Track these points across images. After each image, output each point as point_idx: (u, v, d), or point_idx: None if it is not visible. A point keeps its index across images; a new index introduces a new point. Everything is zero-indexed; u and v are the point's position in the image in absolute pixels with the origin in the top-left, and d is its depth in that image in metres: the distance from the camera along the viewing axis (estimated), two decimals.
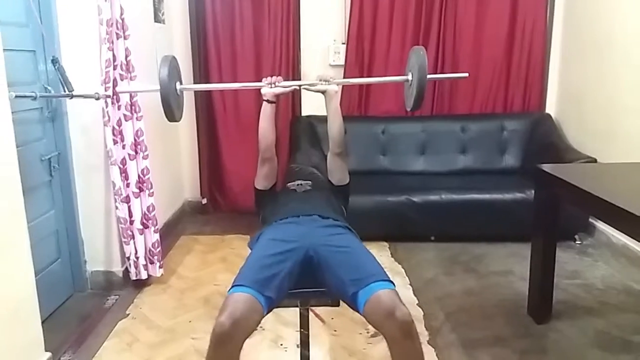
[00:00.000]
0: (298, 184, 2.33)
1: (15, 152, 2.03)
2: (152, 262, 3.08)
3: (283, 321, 2.68)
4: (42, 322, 2.24)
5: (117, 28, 2.79)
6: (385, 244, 3.74)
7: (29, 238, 2.13)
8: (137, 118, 2.93)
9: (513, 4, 4.16)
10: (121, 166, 2.89)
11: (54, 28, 2.72)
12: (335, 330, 2.62)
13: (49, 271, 2.75)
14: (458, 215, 3.67)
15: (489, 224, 3.66)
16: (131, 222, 2.97)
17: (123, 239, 2.96)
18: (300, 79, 4.18)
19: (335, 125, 2.25)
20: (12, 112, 2.03)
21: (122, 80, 2.84)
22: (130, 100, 2.88)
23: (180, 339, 2.57)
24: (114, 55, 2.79)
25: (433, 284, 3.16)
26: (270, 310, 1.74)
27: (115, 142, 2.85)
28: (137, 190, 2.96)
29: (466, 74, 2.49)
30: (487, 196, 3.66)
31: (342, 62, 4.25)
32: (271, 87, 2.19)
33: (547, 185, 2.60)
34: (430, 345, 2.48)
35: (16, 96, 2.10)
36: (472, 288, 3.10)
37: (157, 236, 3.09)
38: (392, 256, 3.56)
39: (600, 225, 3.68)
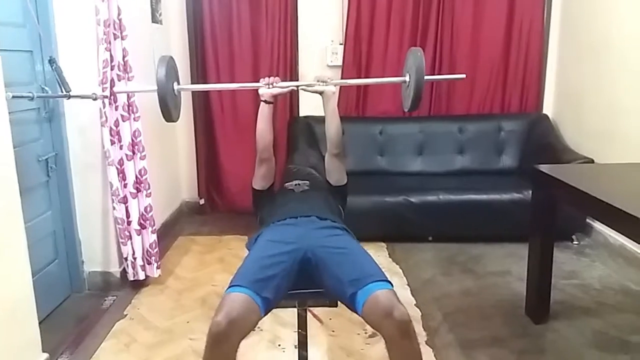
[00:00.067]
0: (296, 184, 2.33)
1: (12, 152, 2.03)
2: (149, 263, 3.08)
3: (281, 322, 2.68)
4: (40, 323, 2.23)
5: (115, 28, 2.79)
6: (383, 244, 3.74)
7: (26, 239, 2.13)
8: (134, 118, 2.92)
9: (510, 4, 4.17)
10: (118, 167, 2.89)
11: (51, 28, 2.71)
12: (333, 331, 2.62)
13: (46, 272, 2.75)
14: (456, 216, 3.67)
15: (486, 224, 3.67)
16: (129, 223, 2.96)
17: (120, 240, 2.96)
18: (297, 80, 4.18)
19: (332, 126, 2.25)
20: (9, 113, 2.02)
21: (119, 80, 2.84)
22: (128, 101, 2.88)
23: (177, 340, 2.57)
24: (111, 56, 2.78)
25: (431, 285, 3.16)
26: (268, 312, 1.74)
27: (112, 143, 2.84)
28: (135, 191, 2.96)
29: (463, 75, 2.49)
30: (484, 197, 3.67)
31: (340, 62, 4.25)
32: (269, 88, 2.19)
33: (545, 186, 2.60)
34: (428, 345, 2.48)
35: (13, 96, 2.10)
36: (470, 288, 3.10)
37: (154, 237, 3.09)
38: (389, 256, 3.56)
39: (598, 225, 3.68)
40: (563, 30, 4.19)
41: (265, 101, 2.21)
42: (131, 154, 2.93)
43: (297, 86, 2.36)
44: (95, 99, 2.58)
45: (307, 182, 2.35)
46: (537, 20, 4.20)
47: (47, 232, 2.81)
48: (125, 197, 2.94)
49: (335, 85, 2.26)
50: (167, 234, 3.93)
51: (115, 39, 2.80)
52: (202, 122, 4.36)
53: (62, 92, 2.43)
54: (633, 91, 3.33)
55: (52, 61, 2.45)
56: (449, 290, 3.08)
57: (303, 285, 1.87)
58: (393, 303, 1.60)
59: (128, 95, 2.87)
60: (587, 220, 3.77)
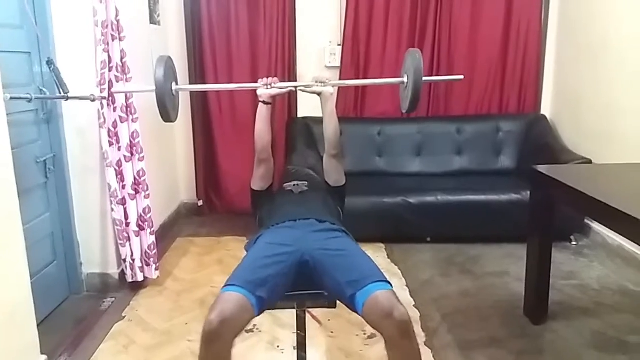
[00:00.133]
0: (295, 185, 2.33)
1: (10, 154, 2.03)
2: (148, 265, 3.07)
3: (280, 323, 2.68)
4: (38, 325, 2.23)
5: (113, 30, 2.79)
6: (382, 245, 3.74)
7: (25, 240, 2.12)
8: (132, 120, 2.92)
9: (508, 5, 4.18)
10: (117, 168, 2.89)
11: (49, 29, 2.71)
12: (332, 332, 2.62)
13: (45, 274, 2.74)
14: (454, 217, 3.67)
15: (484, 225, 3.67)
16: (127, 224, 2.96)
17: (119, 241, 2.96)
18: (296, 81, 4.18)
19: (330, 127, 2.25)
20: (7, 114, 2.02)
21: (117, 82, 2.84)
22: (126, 102, 2.87)
23: (176, 342, 2.57)
24: (109, 57, 2.78)
25: (429, 285, 3.16)
26: (262, 311, 1.74)
27: (110, 144, 2.84)
28: (133, 192, 2.96)
29: (461, 77, 2.49)
30: (482, 197, 3.67)
31: (338, 63, 4.25)
32: (267, 89, 2.19)
33: (543, 187, 2.60)
34: (427, 346, 2.48)
35: (11, 98, 2.10)
36: (468, 289, 3.10)
37: (153, 238, 3.09)
38: (388, 257, 3.57)
39: (596, 226, 3.69)
40: (561, 30, 4.20)
41: (263, 102, 2.21)
42: (129, 155, 2.93)
43: (296, 87, 2.36)
44: (93, 100, 2.58)
45: (306, 182, 2.35)
46: (535, 21, 4.21)
47: (46, 234, 2.80)
48: (123, 198, 2.93)
49: (333, 86, 2.27)
50: (166, 235, 3.92)
51: (113, 40, 2.80)
52: (201, 124, 4.35)
53: (60, 93, 2.43)
54: (631, 92, 3.33)
55: (50, 62, 2.45)
56: (448, 291, 3.08)
57: (302, 287, 1.87)
58: (393, 303, 1.61)
59: (126, 97, 2.87)
60: (586, 220, 3.78)
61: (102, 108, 2.78)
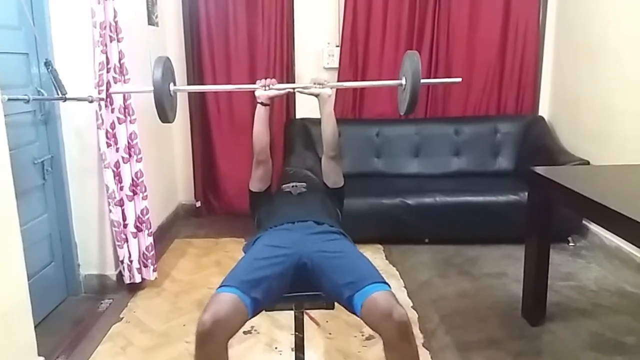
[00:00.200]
0: (293, 186, 2.32)
1: (7, 155, 2.02)
2: (145, 266, 3.07)
3: (278, 324, 2.68)
4: (35, 327, 2.22)
5: (111, 31, 2.79)
6: (380, 246, 3.74)
7: (22, 242, 2.12)
8: (130, 121, 2.92)
9: (506, 6, 4.18)
10: (115, 169, 2.88)
11: (47, 31, 2.71)
12: (330, 333, 2.62)
13: (42, 275, 2.74)
14: (452, 218, 3.68)
15: (482, 226, 3.68)
16: (125, 226, 2.96)
17: (117, 243, 2.95)
18: (294, 82, 4.18)
19: (329, 129, 2.25)
20: (5, 115, 2.01)
21: (115, 83, 2.83)
22: (124, 103, 2.87)
23: (174, 343, 2.56)
24: (107, 58, 2.78)
25: (427, 287, 3.16)
26: (257, 313, 1.74)
27: (108, 145, 2.84)
28: (131, 194, 2.96)
29: (459, 79, 2.49)
30: (480, 198, 3.68)
31: (336, 64, 4.25)
32: (265, 90, 2.19)
33: (541, 188, 2.61)
34: (425, 347, 2.48)
35: (9, 99, 2.10)
36: (467, 290, 3.10)
37: (150, 239, 3.08)
38: (386, 259, 3.56)
39: (594, 227, 3.69)
40: (559, 32, 4.21)
41: (261, 103, 2.21)
42: (127, 156, 2.92)
43: (294, 88, 2.37)
44: (91, 102, 2.58)
45: (305, 184, 2.35)
46: (533, 22, 4.22)
47: (43, 235, 2.80)
48: (121, 199, 2.93)
49: (331, 88, 2.27)
50: (164, 236, 3.92)
51: (111, 41, 2.80)
52: (199, 125, 4.35)
53: (58, 94, 2.43)
54: (628, 93, 3.34)
55: (48, 64, 2.44)
56: (446, 293, 3.08)
57: (300, 289, 1.87)
58: (392, 304, 1.61)
59: (124, 98, 2.86)
60: (583, 222, 3.79)
61: (100, 109, 2.78)
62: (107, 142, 2.83)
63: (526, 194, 2.82)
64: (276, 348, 2.52)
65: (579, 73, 3.89)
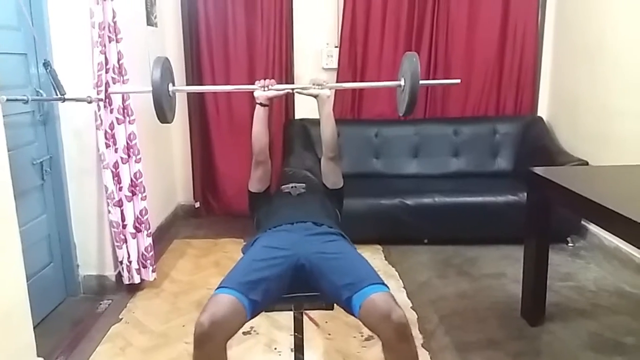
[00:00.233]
0: (292, 187, 2.33)
1: (6, 156, 2.02)
2: (145, 266, 3.07)
3: (277, 325, 2.67)
4: (34, 327, 2.22)
5: (110, 31, 2.78)
6: (379, 247, 3.74)
7: (21, 242, 2.12)
8: (129, 121, 2.92)
9: (505, 7, 4.19)
10: (113, 170, 2.88)
11: (46, 31, 2.71)
12: (329, 334, 2.62)
13: (41, 276, 2.73)
14: (451, 218, 3.68)
15: (481, 226, 3.68)
16: (124, 226, 2.95)
17: (116, 243, 2.95)
18: (293, 82, 4.18)
19: (327, 130, 2.25)
20: (4, 116, 2.01)
21: (114, 83, 2.83)
22: (123, 104, 2.87)
23: (173, 344, 2.56)
24: (106, 59, 2.78)
25: (427, 287, 3.16)
26: (255, 314, 1.74)
27: (107, 146, 2.83)
28: (130, 194, 2.95)
29: (458, 81, 2.49)
30: (479, 199, 3.68)
31: (335, 65, 4.26)
32: (264, 90, 2.19)
33: (540, 188, 2.61)
34: (425, 348, 2.48)
35: (7, 99, 2.09)
36: (466, 291, 3.10)
37: (149, 240, 3.08)
38: (385, 259, 3.56)
39: (593, 227, 3.70)
40: (557, 32, 4.21)
41: (260, 104, 2.21)
42: (126, 157, 2.92)
43: (292, 89, 2.37)
44: (90, 102, 2.57)
45: (304, 184, 2.35)
46: (532, 23, 4.22)
47: (42, 236, 2.79)
48: (120, 200, 2.93)
49: (330, 89, 2.27)
50: (163, 237, 3.91)
51: (110, 41, 2.80)
52: (198, 125, 4.35)
53: (56, 95, 2.42)
54: (627, 93, 3.34)
55: (46, 64, 2.44)
56: (445, 293, 3.08)
57: (298, 291, 1.87)
58: (390, 305, 1.60)
59: (123, 98, 2.86)
60: (582, 222, 3.79)
61: (99, 110, 2.78)
62: (106, 143, 2.82)
63: (525, 194, 2.82)
64: (275, 349, 2.52)
65: (578, 74, 3.89)
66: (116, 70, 2.84)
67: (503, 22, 4.21)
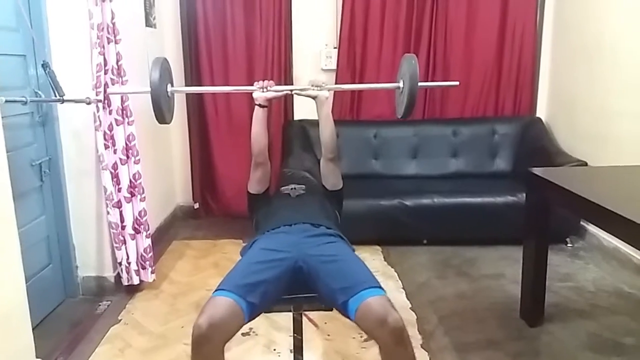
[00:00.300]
0: (292, 188, 2.32)
1: (5, 157, 2.02)
2: (144, 268, 3.06)
3: (276, 326, 2.67)
4: (33, 329, 2.21)
5: (108, 32, 2.78)
6: (378, 247, 3.74)
7: (20, 244, 2.11)
8: (128, 122, 2.91)
9: (503, 8, 4.19)
10: (112, 171, 2.88)
11: (45, 32, 2.71)
12: (328, 335, 2.62)
13: (40, 277, 2.73)
14: (450, 219, 3.68)
15: (480, 227, 3.68)
16: (123, 227, 2.95)
17: (115, 244, 2.95)
18: (292, 83, 4.18)
19: (326, 131, 2.25)
20: (2, 117, 2.01)
21: (113, 84, 2.83)
22: (122, 105, 2.87)
23: (172, 345, 2.56)
24: (105, 60, 2.78)
25: (426, 288, 3.16)
26: (253, 317, 1.74)
27: (106, 147, 2.83)
28: (129, 195, 2.95)
29: (456, 83, 2.49)
30: (478, 200, 3.68)
31: (334, 66, 4.26)
32: (263, 92, 2.19)
33: (538, 189, 2.61)
34: (424, 349, 2.48)
35: (6, 101, 2.09)
36: (465, 291, 3.11)
37: (149, 241, 3.08)
38: (384, 260, 3.57)
39: (591, 228, 3.70)
40: (556, 33, 4.22)
41: (259, 105, 2.21)
42: (125, 158, 2.92)
43: (291, 90, 2.37)
44: (89, 103, 2.57)
45: (304, 186, 2.35)
46: (530, 24, 4.22)
47: (41, 237, 2.79)
48: (119, 201, 2.93)
49: (329, 90, 2.27)
50: (162, 238, 3.91)
51: (109, 43, 2.80)
52: (197, 126, 4.35)
53: (55, 96, 2.42)
54: (625, 94, 3.35)
55: (45, 65, 2.44)
56: (444, 294, 3.08)
57: (296, 293, 1.87)
58: (386, 309, 1.60)
59: (122, 99, 2.86)
60: (581, 222, 3.79)
61: (98, 111, 2.78)
62: (105, 144, 2.82)
63: (524, 195, 2.81)
64: (274, 350, 2.51)
65: (576, 74, 3.90)
66: (115, 72, 2.84)
67: (502, 23, 4.22)
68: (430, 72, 4.22)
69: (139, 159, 2.97)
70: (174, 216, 4.41)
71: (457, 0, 4.16)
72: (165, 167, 4.29)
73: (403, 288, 3.15)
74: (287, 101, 4.28)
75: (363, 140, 4.22)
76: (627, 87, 3.33)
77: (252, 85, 2.23)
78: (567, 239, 3.75)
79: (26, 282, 2.17)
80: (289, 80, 4.23)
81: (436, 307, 2.90)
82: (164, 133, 4.10)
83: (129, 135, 2.92)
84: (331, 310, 1.98)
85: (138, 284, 3.06)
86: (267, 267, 1.79)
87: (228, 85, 4.18)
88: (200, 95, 4.32)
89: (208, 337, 1.57)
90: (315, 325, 2.69)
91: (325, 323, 2.69)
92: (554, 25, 4.23)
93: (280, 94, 2.26)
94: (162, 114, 2.05)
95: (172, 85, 2.16)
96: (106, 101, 2.79)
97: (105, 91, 2.75)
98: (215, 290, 1.71)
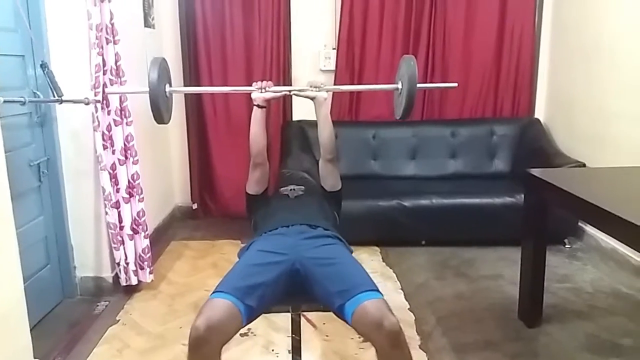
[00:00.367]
0: (291, 189, 2.32)
1: (3, 157, 2.01)
2: (142, 268, 3.06)
3: (274, 327, 2.67)
4: (31, 329, 2.21)
5: (107, 33, 2.78)
6: (377, 248, 3.74)
7: (18, 244, 2.11)
8: (127, 123, 2.91)
9: (502, 10, 4.20)
10: (111, 171, 2.88)
11: (43, 33, 2.70)
12: (327, 336, 2.62)
13: (38, 277, 2.73)
14: (449, 220, 3.68)
15: (479, 228, 3.68)
16: (121, 228, 2.95)
17: (113, 245, 2.95)
18: (291, 84, 4.18)
19: (325, 132, 2.24)
20: (1, 117, 2.02)
21: (111, 85, 2.83)
22: (120, 105, 2.87)
23: (170, 345, 2.56)
24: (103, 60, 2.78)
25: (424, 289, 3.16)
26: (251, 320, 1.74)
27: (105, 147, 2.83)
28: (127, 196, 2.95)
29: (455, 84, 2.49)
30: (477, 200, 3.68)
31: (333, 67, 4.26)
32: (261, 92, 2.19)
33: (537, 190, 2.62)
34: (422, 349, 2.49)
35: (5, 101, 2.09)
36: (463, 292, 3.11)
37: (147, 242, 3.08)
38: (383, 261, 3.56)
39: (590, 229, 3.70)
40: (554, 34, 4.22)
41: (258, 105, 2.21)
42: (124, 158, 2.92)
43: (290, 91, 2.36)
44: (87, 104, 2.57)
45: (302, 187, 2.34)
46: (529, 25, 4.23)
47: (39, 238, 2.79)
48: (117, 202, 2.92)
49: (327, 91, 2.27)
50: (160, 238, 3.91)
51: (107, 43, 2.79)
52: (195, 127, 4.35)
53: (54, 96, 2.43)
54: (623, 95, 3.35)
55: (44, 66, 2.44)
56: (442, 294, 3.08)
57: (294, 294, 1.86)
58: (382, 313, 1.59)
59: (120, 100, 2.86)
60: (579, 223, 3.80)
61: (96, 111, 2.78)
62: (103, 144, 2.82)
63: (522, 196, 2.82)
64: (273, 350, 2.51)
65: (575, 75, 3.91)
66: (114, 72, 2.84)
67: (500, 24, 4.22)
68: (429, 73, 4.23)
69: (137, 160, 2.97)
70: (173, 217, 4.41)
71: (456, 2, 4.17)
72: (164, 168, 4.29)
73: (401, 289, 3.15)
74: (285, 102, 4.28)
75: (362, 141, 4.22)
76: (626, 89, 3.33)
77: (250, 85, 2.23)
78: (565, 240, 3.76)
79: (24, 283, 2.17)
80: (287, 81, 4.23)
81: (434, 308, 2.91)
82: (163, 133, 4.09)
83: (127, 136, 2.92)
84: (329, 310, 1.98)
85: (136, 285, 3.06)
86: (265, 269, 1.79)
87: (227, 85, 4.18)
88: (198, 96, 4.32)
89: (205, 339, 1.56)
90: (314, 325, 2.69)
91: (324, 324, 2.69)
92: (552, 26, 4.23)
93: (278, 94, 2.26)
94: (160, 114, 2.05)
95: (171, 86, 2.16)
96: (105, 101, 2.79)
97: (103, 91, 2.75)
98: (213, 292, 1.70)
